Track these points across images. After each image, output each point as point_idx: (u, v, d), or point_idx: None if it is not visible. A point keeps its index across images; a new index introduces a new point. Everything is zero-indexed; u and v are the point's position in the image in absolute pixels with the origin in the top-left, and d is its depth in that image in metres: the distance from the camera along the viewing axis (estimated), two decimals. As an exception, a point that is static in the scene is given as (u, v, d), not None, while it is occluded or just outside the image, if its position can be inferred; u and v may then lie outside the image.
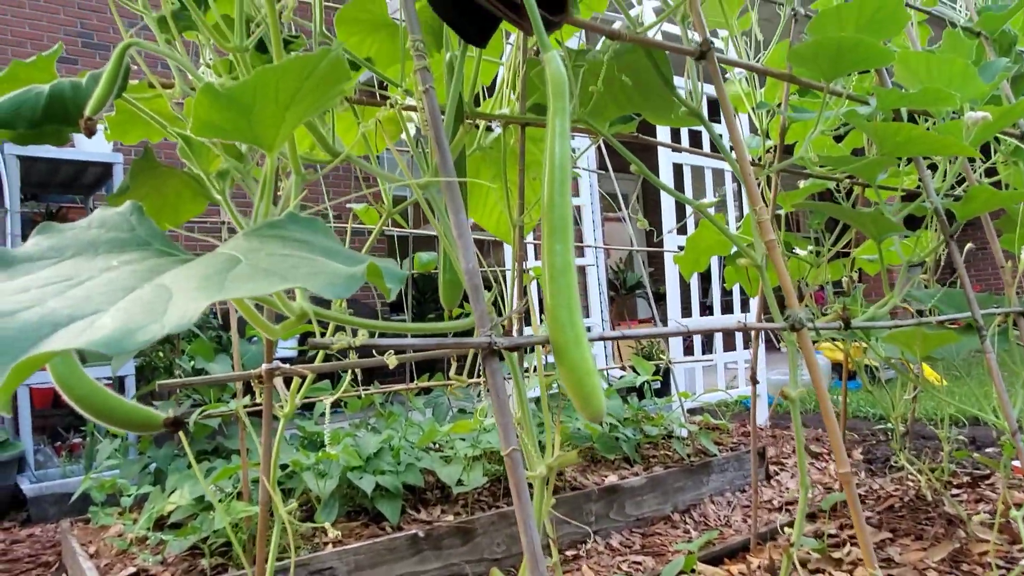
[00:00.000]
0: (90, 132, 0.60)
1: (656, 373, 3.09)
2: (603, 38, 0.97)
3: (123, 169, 3.65)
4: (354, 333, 0.54)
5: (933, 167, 1.46)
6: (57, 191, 4.06)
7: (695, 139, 4.08)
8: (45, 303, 0.31)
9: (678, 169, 3.51)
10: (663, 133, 3.53)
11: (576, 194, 4.67)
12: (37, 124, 0.66)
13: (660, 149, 3.31)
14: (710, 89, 2.13)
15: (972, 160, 1.62)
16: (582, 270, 4.67)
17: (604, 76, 0.90)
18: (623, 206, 3.41)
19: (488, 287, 1.12)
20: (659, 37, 1.07)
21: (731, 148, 0.98)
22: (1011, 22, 1.64)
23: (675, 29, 1.13)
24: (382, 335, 0.59)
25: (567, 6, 0.67)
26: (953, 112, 1.33)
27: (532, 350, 0.75)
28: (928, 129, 1.35)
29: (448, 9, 0.66)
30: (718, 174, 3.88)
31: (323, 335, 0.83)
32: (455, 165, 0.87)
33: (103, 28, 5.20)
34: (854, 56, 0.94)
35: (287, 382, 1.05)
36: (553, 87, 0.60)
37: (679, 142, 3.77)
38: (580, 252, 4.67)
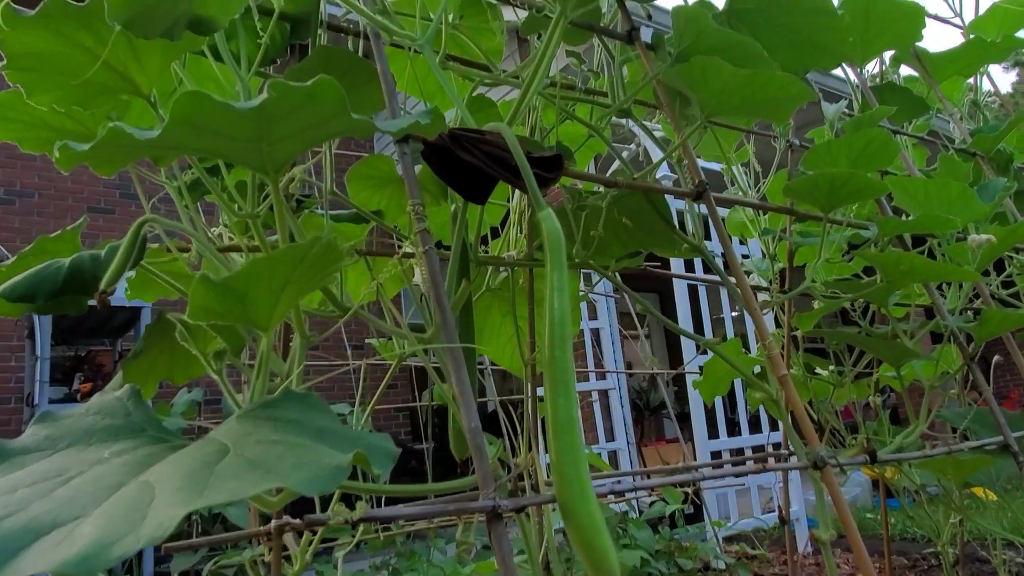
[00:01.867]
0: (104, 305, 0.62)
1: (686, 499, 2.97)
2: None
3: (151, 312, 3.76)
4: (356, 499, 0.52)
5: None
6: (87, 335, 4.17)
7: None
8: (30, 506, 0.31)
9: (693, 289, 3.53)
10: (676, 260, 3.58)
11: (594, 317, 4.69)
12: (57, 296, 0.69)
13: (674, 269, 3.35)
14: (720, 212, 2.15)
15: (987, 274, 1.61)
16: (605, 393, 4.61)
17: (605, 219, 0.93)
18: (638, 325, 3.41)
19: (503, 414, 1.10)
20: (663, 173, 1.10)
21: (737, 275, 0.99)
22: (1005, 140, 1.69)
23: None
24: (388, 499, 0.57)
25: (562, 163, 0.71)
26: (961, 231, 1.34)
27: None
28: (936, 249, 1.36)
29: (446, 171, 0.70)
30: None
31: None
32: (463, 311, 0.88)
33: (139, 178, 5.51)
34: (849, 189, 0.96)
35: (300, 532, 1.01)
36: (549, 244, 0.62)
37: (693, 267, 3.81)
38: (602, 376, 4.64)
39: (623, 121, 1.83)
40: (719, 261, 1.08)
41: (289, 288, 0.43)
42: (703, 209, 1.13)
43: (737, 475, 0.99)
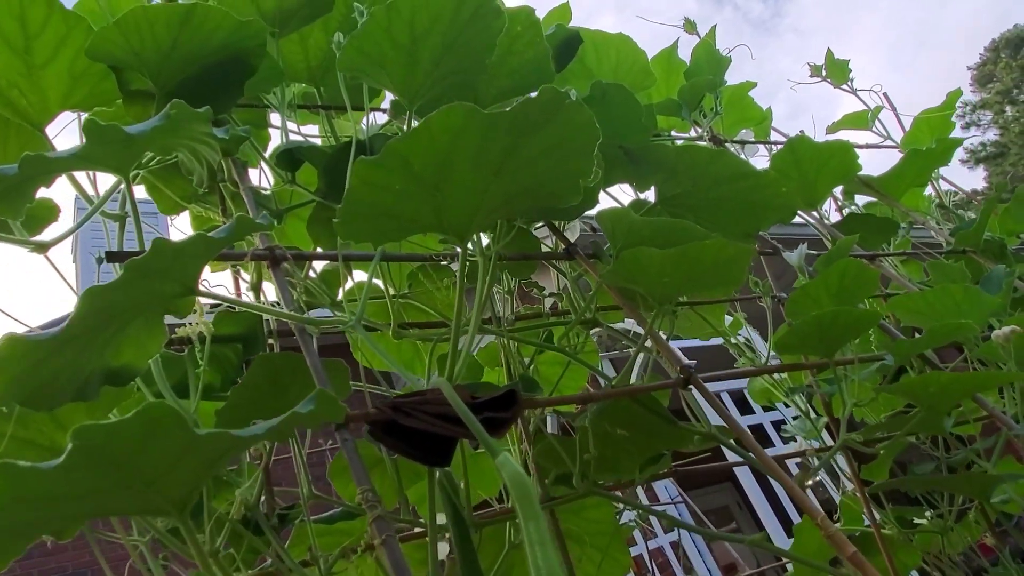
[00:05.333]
0: None
1: None
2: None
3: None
4: None
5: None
6: None
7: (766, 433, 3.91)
8: None
9: (759, 474, 3.29)
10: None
11: (670, 529, 4.35)
12: None
13: (737, 471, 3.14)
14: (738, 383, 2.07)
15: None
16: (710, 612, 4.11)
17: (599, 435, 0.85)
18: (707, 522, 3.12)
19: None
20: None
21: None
22: (990, 230, 1.65)
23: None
24: None
25: (516, 399, 0.65)
26: (985, 330, 1.25)
27: None
28: (969, 355, 1.26)
29: (398, 442, 0.64)
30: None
31: None
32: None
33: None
34: (840, 328, 0.90)
35: None
36: (516, 492, 0.54)
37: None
38: (700, 592, 4.18)
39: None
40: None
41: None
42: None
43: None
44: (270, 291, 1.07)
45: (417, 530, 0.95)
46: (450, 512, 0.79)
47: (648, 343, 0.96)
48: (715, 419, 1.06)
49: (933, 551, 1.59)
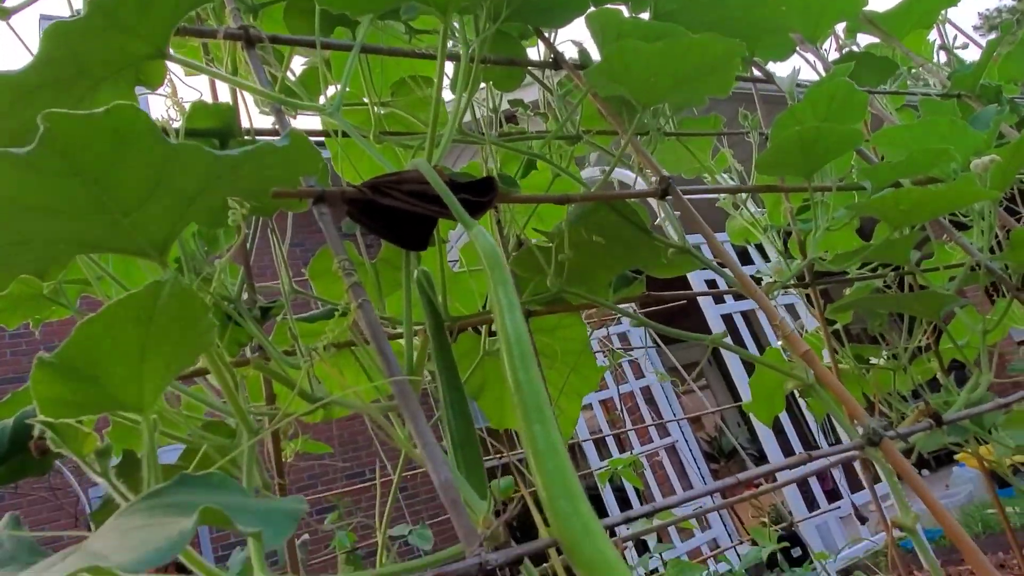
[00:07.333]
0: (42, 451, 0.57)
1: (784, 539, 2.74)
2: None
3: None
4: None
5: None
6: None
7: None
8: None
9: (728, 318, 3.41)
10: (699, 282, 3.46)
11: (640, 375, 4.56)
12: (4, 460, 0.65)
13: (703, 306, 3.24)
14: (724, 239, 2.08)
15: (1014, 213, 1.51)
16: (672, 449, 4.41)
17: (576, 241, 0.87)
18: (677, 375, 3.28)
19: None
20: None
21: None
22: (988, 75, 1.61)
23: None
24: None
25: (494, 186, 0.66)
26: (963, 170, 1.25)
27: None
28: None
29: (376, 224, 0.65)
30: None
31: None
32: (446, 366, 0.81)
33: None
34: (822, 146, 0.90)
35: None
36: (487, 261, 0.56)
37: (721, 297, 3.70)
38: (665, 431, 4.46)
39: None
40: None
41: (150, 358, 0.37)
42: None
43: (788, 467, 0.83)
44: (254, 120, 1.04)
45: (398, 329, 0.99)
46: (426, 305, 0.82)
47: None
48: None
49: (885, 391, 1.69)
